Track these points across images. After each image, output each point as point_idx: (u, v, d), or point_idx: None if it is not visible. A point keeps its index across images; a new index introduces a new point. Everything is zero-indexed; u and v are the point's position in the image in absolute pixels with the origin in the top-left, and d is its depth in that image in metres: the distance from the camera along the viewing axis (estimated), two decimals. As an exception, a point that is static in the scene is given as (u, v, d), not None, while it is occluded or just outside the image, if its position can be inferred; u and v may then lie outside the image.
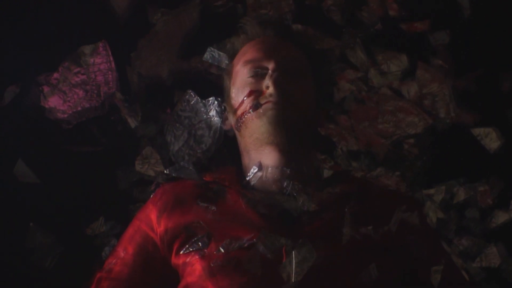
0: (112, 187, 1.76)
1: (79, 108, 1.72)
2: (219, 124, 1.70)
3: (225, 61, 1.71)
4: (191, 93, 1.73)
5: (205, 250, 1.54)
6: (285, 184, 1.58)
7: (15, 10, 1.81)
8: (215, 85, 1.79)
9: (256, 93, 1.64)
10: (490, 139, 1.74)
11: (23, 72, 1.76)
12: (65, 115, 1.71)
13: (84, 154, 1.77)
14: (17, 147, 1.78)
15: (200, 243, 1.55)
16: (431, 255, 1.59)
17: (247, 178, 1.63)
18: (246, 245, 1.51)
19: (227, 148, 1.74)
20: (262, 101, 1.62)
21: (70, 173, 1.82)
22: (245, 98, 1.65)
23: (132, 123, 1.76)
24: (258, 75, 1.66)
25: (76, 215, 1.78)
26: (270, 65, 1.65)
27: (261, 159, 1.63)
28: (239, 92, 1.67)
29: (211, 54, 1.71)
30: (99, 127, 1.75)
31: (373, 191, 1.66)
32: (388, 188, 1.79)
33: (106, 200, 1.79)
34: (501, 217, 1.80)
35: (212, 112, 1.71)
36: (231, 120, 1.70)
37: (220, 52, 1.71)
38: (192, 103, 1.72)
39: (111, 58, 1.75)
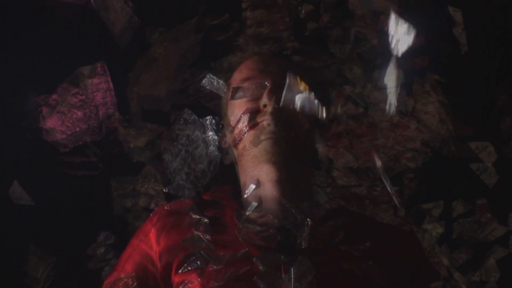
0: (107, 210, 1.77)
1: (77, 129, 1.73)
2: (216, 152, 1.70)
3: (223, 89, 1.69)
4: (189, 112, 1.73)
5: (203, 269, 1.54)
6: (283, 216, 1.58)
7: (15, 30, 1.82)
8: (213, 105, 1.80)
9: (253, 111, 1.65)
10: (488, 153, 1.74)
11: (22, 92, 1.77)
12: (64, 136, 1.72)
13: (80, 177, 1.77)
14: (13, 169, 1.79)
15: (198, 262, 1.55)
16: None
17: (245, 196, 1.64)
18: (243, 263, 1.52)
19: (225, 166, 1.74)
20: (259, 119, 1.63)
21: (65, 196, 1.82)
22: (242, 116, 1.65)
23: (131, 143, 1.76)
24: (255, 93, 1.67)
25: (72, 237, 1.78)
26: (267, 83, 1.65)
27: (258, 177, 1.63)
28: (236, 110, 1.67)
29: (210, 81, 1.68)
30: (96, 151, 1.76)
31: (369, 224, 1.67)
32: (385, 223, 1.79)
33: (102, 221, 1.80)
34: (499, 231, 1.79)
35: (210, 132, 1.70)
36: (229, 138, 1.70)
37: (219, 80, 1.69)
38: (189, 121, 1.73)
39: (109, 79, 1.75)
